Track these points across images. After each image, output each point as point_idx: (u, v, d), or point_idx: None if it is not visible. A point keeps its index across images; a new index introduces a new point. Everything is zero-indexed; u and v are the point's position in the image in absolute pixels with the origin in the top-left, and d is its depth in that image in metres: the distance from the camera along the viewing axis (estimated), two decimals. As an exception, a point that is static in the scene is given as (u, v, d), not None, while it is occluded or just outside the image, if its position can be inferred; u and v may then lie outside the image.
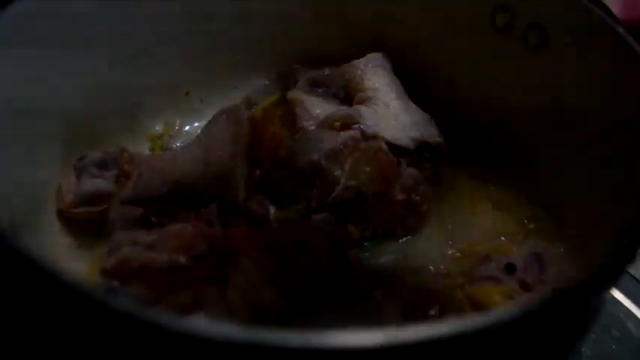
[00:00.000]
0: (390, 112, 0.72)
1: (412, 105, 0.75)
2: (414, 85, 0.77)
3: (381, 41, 0.79)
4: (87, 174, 0.67)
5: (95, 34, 0.70)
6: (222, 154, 0.65)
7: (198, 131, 0.77)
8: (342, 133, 0.68)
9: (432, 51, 0.78)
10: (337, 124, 0.70)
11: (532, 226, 0.69)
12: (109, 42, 0.71)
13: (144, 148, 0.77)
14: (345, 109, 0.73)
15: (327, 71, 0.79)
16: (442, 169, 0.73)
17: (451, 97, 0.77)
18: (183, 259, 0.56)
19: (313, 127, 0.71)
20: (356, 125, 0.70)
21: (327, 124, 0.71)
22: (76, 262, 0.65)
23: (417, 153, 0.71)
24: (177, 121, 0.80)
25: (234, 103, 0.72)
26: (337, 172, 0.65)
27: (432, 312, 0.52)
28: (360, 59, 0.77)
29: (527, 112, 0.72)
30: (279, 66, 0.81)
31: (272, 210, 0.62)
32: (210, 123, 0.71)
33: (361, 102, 0.74)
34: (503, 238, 0.69)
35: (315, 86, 0.78)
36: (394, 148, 0.70)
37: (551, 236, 0.67)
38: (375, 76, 0.76)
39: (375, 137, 0.69)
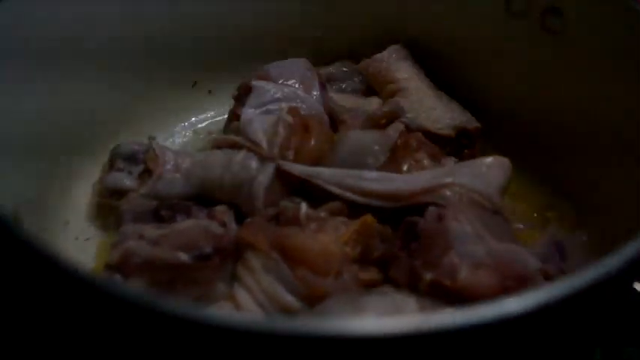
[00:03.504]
0: (426, 102, 0.69)
1: (442, 93, 0.72)
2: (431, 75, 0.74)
3: (395, 33, 0.75)
4: (115, 166, 0.64)
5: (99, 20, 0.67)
6: (247, 162, 0.60)
7: (205, 124, 0.76)
8: (391, 131, 0.63)
9: (448, 40, 0.74)
10: (384, 120, 0.66)
11: (551, 214, 0.65)
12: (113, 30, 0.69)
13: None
14: (388, 105, 0.68)
15: (336, 68, 0.75)
16: (477, 152, 0.69)
17: (468, 86, 0.73)
18: (185, 258, 0.52)
19: (355, 122, 0.67)
20: (399, 119, 0.66)
21: (372, 121, 0.67)
22: (82, 255, 0.62)
23: (456, 140, 0.68)
24: (185, 113, 0.76)
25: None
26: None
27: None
28: (383, 52, 0.74)
29: (545, 101, 0.68)
30: (290, 56, 0.78)
31: (304, 209, 0.57)
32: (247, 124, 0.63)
33: (392, 94, 0.71)
34: (521, 226, 0.66)
35: (331, 82, 0.74)
36: (435, 137, 0.67)
37: (571, 225, 0.64)
38: (402, 67, 0.72)
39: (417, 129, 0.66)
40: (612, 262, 0.40)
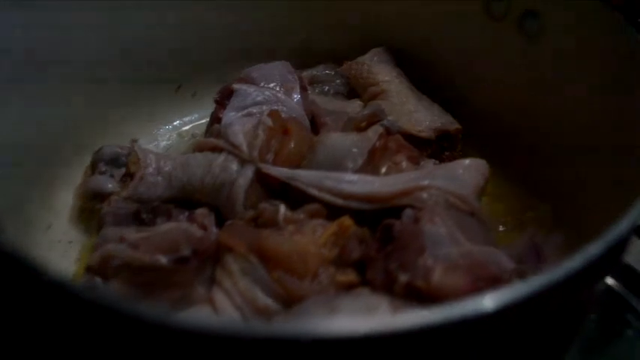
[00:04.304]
0: (407, 105, 0.70)
1: (423, 95, 0.72)
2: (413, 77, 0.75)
3: (376, 37, 0.76)
4: (97, 170, 0.65)
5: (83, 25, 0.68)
6: (227, 164, 0.60)
7: (189, 126, 0.77)
8: (370, 134, 0.63)
9: (430, 43, 0.75)
10: (364, 123, 0.67)
11: (529, 215, 0.66)
12: (97, 34, 0.69)
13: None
14: (368, 108, 0.69)
15: (319, 70, 0.76)
16: (458, 154, 0.71)
17: (450, 88, 0.74)
18: (164, 260, 0.52)
19: (336, 125, 0.68)
20: (379, 123, 0.67)
21: (353, 124, 0.67)
22: (64, 258, 0.62)
23: (437, 142, 0.69)
24: (169, 116, 0.76)
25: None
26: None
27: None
28: (365, 55, 0.74)
29: (525, 103, 0.68)
30: (274, 58, 0.78)
31: (283, 210, 0.57)
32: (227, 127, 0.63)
33: (374, 96, 0.71)
34: (500, 227, 0.67)
35: (313, 85, 0.75)
36: (415, 140, 0.67)
37: (549, 226, 0.63)
38: (383, 70, 0.73)
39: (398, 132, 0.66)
40: (574, 262, 0.41)
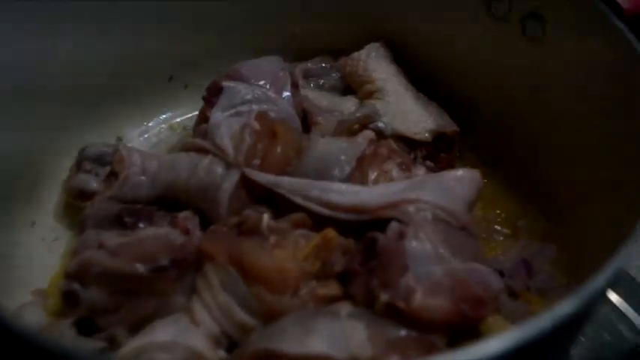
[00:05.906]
0: (403, 105, 0.68)
1: (421, 94, 0.70)
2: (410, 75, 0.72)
3: (375, 30, 0.73)
4: (82, 168, 0.63)
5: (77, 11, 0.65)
6: (213, 167, 0.58)
7: (180, 119, 0.75)
8: (360, 139, 0.61)
9: (429, 41, 0.72)
10: (357, 126, 0.65)
11: (523, 223, 0.64)
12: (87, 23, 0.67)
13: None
14: (362, 109, 0.67)
15: (314, 63, 0.73)
16: (455, 156, 0.69)
17: (448, 87, 0.71)
18: (142, 269, 0.51)
19: (329, 124, 0.66)
20: (373, 124, 0.65)
21: (345, 127, 0.65)
22: (48, 256, 0.62)
23: (433, 144, 0.67)
24: (161, 108, 0.74)
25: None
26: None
27: (403, 332, 0.48)
28: (361, 50, 0.71)
29: (524, 105, 0.66)
30: (269, 49, 0.74)
31: (266, 219, 0.55)
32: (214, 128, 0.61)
33: (369, 94, 0.69)
34: (494, 236, 0.65)
35: (308, 78, 0.73)
36: (410, 141, 0.65)
37: (542, 235, 0.63)
38: (380, 67, 0.70)
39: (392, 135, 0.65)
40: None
